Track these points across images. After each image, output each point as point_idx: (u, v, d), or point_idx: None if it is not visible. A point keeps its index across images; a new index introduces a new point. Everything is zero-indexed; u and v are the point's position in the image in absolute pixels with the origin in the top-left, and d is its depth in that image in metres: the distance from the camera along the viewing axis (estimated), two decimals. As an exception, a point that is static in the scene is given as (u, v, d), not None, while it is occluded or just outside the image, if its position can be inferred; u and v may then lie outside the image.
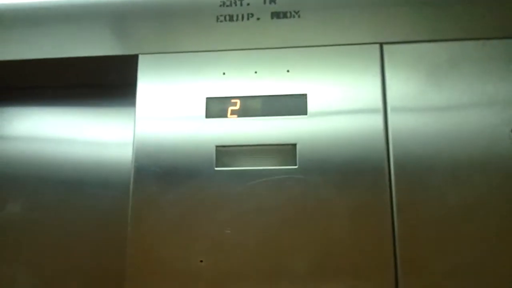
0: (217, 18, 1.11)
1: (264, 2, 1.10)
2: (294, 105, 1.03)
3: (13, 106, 1.33)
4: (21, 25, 1.17)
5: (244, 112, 1.04)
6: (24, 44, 1.16)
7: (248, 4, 1.11)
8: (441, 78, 1.01)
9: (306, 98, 1.03)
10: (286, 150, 1.01)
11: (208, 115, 1.05)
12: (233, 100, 1.05)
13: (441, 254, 0.92)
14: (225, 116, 1.04)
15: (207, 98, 1.06)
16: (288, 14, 1.09)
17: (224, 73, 1.07)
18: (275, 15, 1.09)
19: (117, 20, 1.15)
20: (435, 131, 0.98)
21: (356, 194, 0.96)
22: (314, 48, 1.06)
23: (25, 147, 1.28)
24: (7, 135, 1.31)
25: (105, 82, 1.25)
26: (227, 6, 1.11)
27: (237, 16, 1.10)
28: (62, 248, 1.21)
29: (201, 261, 0.97)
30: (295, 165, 0.99)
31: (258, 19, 1.09)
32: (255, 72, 1.06)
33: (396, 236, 0.94)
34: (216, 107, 1.05)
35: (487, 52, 1.02)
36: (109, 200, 1.21)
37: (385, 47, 1.05)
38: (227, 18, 1.11)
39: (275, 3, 1.10)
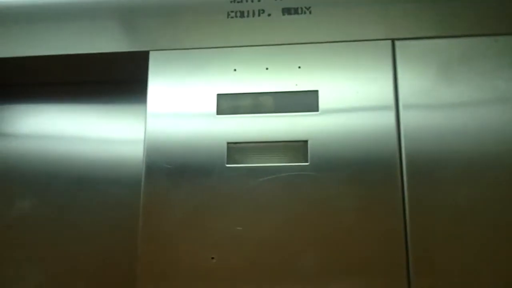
0: (228, 14, 1.10)
1: (275, -2, 1.10)
2: (306, 101, 1.03)
3: (22, 104, 1.33)
4: (31, 21, 1.18)
5: (255, 108, 1.04)
6: (34, 41, 1.16)
7: (259, 0, 1.10)
8: (453, 74, 1.01)
9: (317, 94, 1.03)
10: (297, 147, 1.01)
11: (219, 111, 1.05)
12: (244, 97, 1.05)
13: (454, 251, 0.92)
14: (236, 112, 1.04)
15: (218, 95, 1.06)
16: (299, 10, 1.08)
17: (235, 70, 1.07)
18: (286, 11, 1.09)
19: (128, 16, 1.15)
20: (447, 127, 0.98)
21: (367, 191, 0.96)
22: (326, 44, 1.05)
23: (35, 145, 1.29)
24: (17, 133, 1.31)
25: (116, 78, 1.26)
26: (238, 2, 1.11)
27: (248, 12, 1.10)
28: (73, 245, 1.21)
29: (213, 258, 0.97)
30: (307, 161, 0.99)
31: (269, 15, 1.09)
32: (266, 69, 1.06)
33: (408, 233, 0.93)
34: (227, 104, 1.05)
35: (499, 48, 1.01)
36: (120, 197, 1.21)
37: (397, 43, 1.04)
38: (238, 14, 1.10)
39: (286, -1, 1.10)
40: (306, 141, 1.00)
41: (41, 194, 1.25)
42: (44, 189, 1.25)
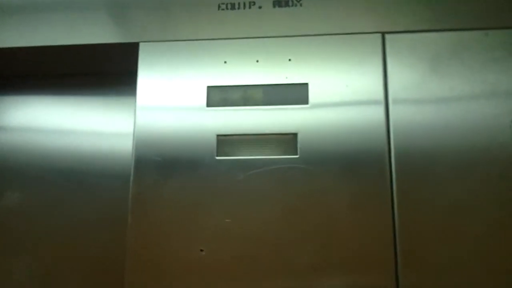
0: (219, 6, 1.10)
1: (266, -9, 1.10)
2: (296, 94, 1.03)
3: (9, 95, 1.32)
4: (20, 12, 1.16)
5: (245, 101, 1.04)
6: (23, 32, 1.15)
7: (250, -7, 1.10)
8: (443, 68, 1.01)
9: (307, 87, 1.03)
10: (287, 140, 1.01)
11: (209, 104, 1.04)
12: (234, 89, 1.04)
13: (442, 246, 0.92)
14: (226, 105, 1.04)
15: (208, 87, 1.05)
16: (290, 3, 1.08)
17: (225, 62, 1.06)
18: (277, 3, 1.08)
19: (118, 7, 1.14)
20: (436, 122, 0.98)
21: (356, 185, 0.96)
22: (316, 37, 1.05)
23: (22, 137, 1.28)
24: (4, 125, 1.30)
25: (105, 70, 1.25)
26: (229, -6, 1.10)
27: (239, 4, 1.09)
28: (62, 237, 1.20)
29: (202, 250, 0.97)
30: (296, 154, 0.99)
31: (260, 7, 1.09)
32: (257, 61, 1.05)
33: (397, 227, 0.94)
34: (217, 96, 1.05)
35: (489, 42, 1.02)
36: (110, 190, 1.21)
37: (387, 36, 1.04)
38: (229, 6, 1.10)
39: (277, -9, 1.09)
40: (296, 134, 1.00)
41: (30, 187, 1.25)
42: (32, 182, 1.25)
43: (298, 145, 0.99)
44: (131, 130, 1.06)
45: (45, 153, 1.26)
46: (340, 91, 1.01)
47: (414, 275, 0.92)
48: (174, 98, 1.05)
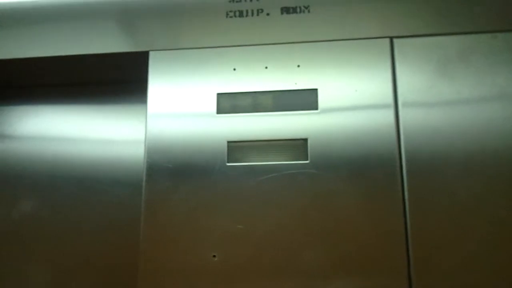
0: (227, 14, 1.11)
1: (274, -3, 1.11)
2: (305, 100, 1.03)
3: (23, 105, 1.34)
4: (31, 22, 1.18)
5: (255, 107, 1.04)
6: (34, 42, 1.16)
7: (258, 0, 1.11)
8: (452, 72, 1.01)
9: (317, 93, 1.03)
10: (297, 145, 1.01)
11: (219, 111, 1.05)
12: (244, 96, 1.05)
13: (454, 249, 0.92)
14: (236, 111, 1.05)
15: (218, 94, 1.06)
16: (298, 9, 1.09)
17: (234, 69, 1.07)
18: (285, 10, 1.09)
19: (127, 16, 1.15)
20: (446, 125, 0.98)
21: (367, 189, 0.96)
22: (324, 42, 1.06)
23: (35, 147, 1.29)
24: (16, 134, 1.32)
25: (116, 79, 1.26)
26: (237, 1, 1.11)
27: (247, 11, 1.10)
28: (75, 245, 1.21)
29: (214, 256, 0.97)
30: (307, 159, 0.99)
31: (268, 14, 1.09)
32: (266, 68, 1.06)
33: (409, 231, 0.94)
34: (227, 103, 1.05)
35: (497, 45, 1.02)
36: (122, 197, 1.22)
37: (395, 41, 1.04)
38: (237, 13, 1.11)
39: (284, -2, 1.10)
40: (306, 139, 1.01)
41: (42, 196, 1.26)
42: (45, 191, 1.26)
43: (309, 150, 1.00)
44: (142, 137, 1.07)
45: (57, 161, 1.27)
46: (350, 96, 1.02)
47: (427, 279, 0.91)
48: (185, 105, 1.06)
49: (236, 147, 1.02)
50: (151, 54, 1.10)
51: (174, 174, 1.02)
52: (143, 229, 1.00)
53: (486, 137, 0.97)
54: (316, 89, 1.03)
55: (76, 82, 1.30)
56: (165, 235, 0.99)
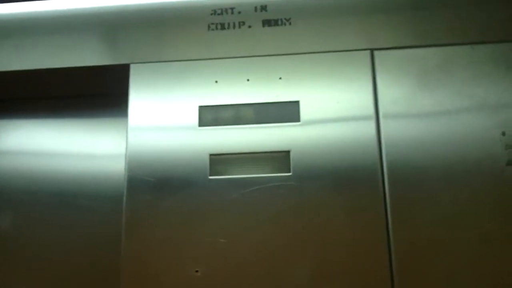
0: (209, 27, 1.11)
1: (255, 10, 1.11)
2: (287, 112, 1.03)
3: (1, 119, 1.32)
4: (9, 35, 1.17)
5: (237, 120, 1.04)
6: (13, 55, 1.15)
7: (239, 12, 1.11)
8: (432, 83, 1.02)
9: (298, 105, 1.03)
10: (280, 158, 1.01)
11: (201, 123, 1.04)
12: (226, 108, 1.05)
13: (436, 257, 0.92)
14: (218, 124, 1.04)
15: (200, 107, 1.05)
16: (280, 22, 1.09)
17: (216, 81, 1.07)
18: (267, 22, 1.10)
19: (108, 29, 1.14)
20: (427, 135, 0.99)
21: (350, 200, 0.96)
22: (306, 55, 1.06)
23: (14, 160, 1.27)
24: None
25: (97, 92, 1.25)
26: (218, 14, 1.11)
27: (229, 24, 1.10)
28: (56, 260, 1.19)
29: (197, 271, 0.96)
30: (289, 172, 0.99)
31: (249, 27, 1.10)
32: (248, 80, 1.06)
33: (391, 240, 0.94)
34: (209, 116, 1.05)
35: (476, 56, 1.03)
36: (102, 212, 1.20)
37: (375, 53, 1.05)
38: (219, 26, 1.11)
39: (266, 10, 1.10)
40: (288, 152, 1.00)
41: (21, 210, 1.24)
42: (24, 205, 1.24)
43: (291, 163, 0.99)
44: (123, 151, 1.05)
45: (36, 175, 1.25)
46: (331, 108, 1.02)
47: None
48: (166, 118, 1.05)
49: (219, 160, 1.02)
50: (132, 67, 1.09)
51: (156, 188, 1.01)
52: (124, 244, 0.98)
53: (466, 147, 0.98)
54: (298, 101, 1.04)
55: (55, 95, 1.29)
56: (147, 250, 0.98)
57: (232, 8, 1.11)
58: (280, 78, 1.05)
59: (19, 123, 1.31)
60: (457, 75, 1.02)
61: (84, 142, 1.26)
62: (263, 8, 1.11)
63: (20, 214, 1.24)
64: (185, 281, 0.95)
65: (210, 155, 1.02)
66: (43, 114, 1.30)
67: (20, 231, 1.22)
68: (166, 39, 1.11)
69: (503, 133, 0.98)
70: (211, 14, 1.12)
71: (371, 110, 1.01)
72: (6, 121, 1.32)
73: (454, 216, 0.94)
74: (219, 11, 1.12)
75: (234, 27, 1.10)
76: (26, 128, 1.30)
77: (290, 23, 1.09)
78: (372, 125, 1.00)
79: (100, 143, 1.26)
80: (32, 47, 1.15)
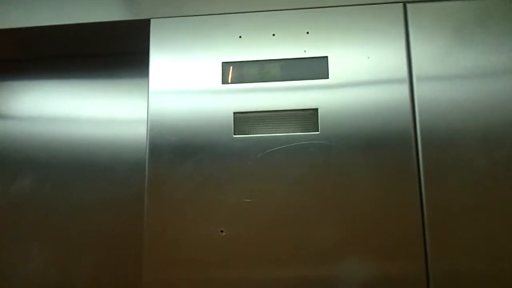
0: (232, -21, 1.06)
1: (282, -39, 1.05)
2: (315, 68, 0.99)
3: (16, 80, 1.29)
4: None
5: (262, 76, 1.00)
6: (27, 11, 1.11)
7: (265, -37, 1.06)
8: (468, 38, 0.97)
9: (327, 60, 0.99)
10: (307, 115, 0.97)
11: (225, 81, 1.00)
12: (250, 65, 1.00)
13: (471, 223, 0.89)
14: (242, 81, 1.00)
15: (223, 63, 1.01)
16: (307, -27, 1.04)
17: (240, 37, 1.02)
18: (293, -26, 1.04)
19: (127, -18, 1.10)
20: (461, 96, 0.94)
21: (382, 163, 0.93)
22: (334, 8, 1.01)
23: (30, 123, 1.25)
24: (10, 111, 1.27)
25: (116, 50, 1.21)
26: (242, -34, 1.06)
27: (254, -24, 1.05)
28: (78, 223, 1.18)
29: (222, 231, 0.93)
30: (317, 130, 0.95)
31: (275, -22, 1.05)
32: (273, 35, 1.01)
33: (424, 205, 0.90)
34: (233, 72, 1.01)
35: (515, 9, 0.98)
36: (124, 174, 1.18)
37: (408, 6, 1.00)
38: (243, -22, 1.06)
39: (293, -38, 1.05)
40: (316, 109, 0.96)
41: (40, 175, 1.22)
42: (43, 170, 1.22)
43: (319, 121, 0.95)
44: (144, 113, 1.03)
45: (55, 139, 1.23)
46: (361, 64, 0.98)
47: (443, 254, 0.89)
48: (188, 77, 1.01)
49: (243, 119, 0.98)
50: (153, 22, 1.05)
51: (178, 149, 0.98)
52: (147, 206, 0.96)
53: (503, 108, 0.93)
54: (326, 57, 0.99)
55: (72, 54, 1.25)
56: (170, 211, 0.95)
57: (257, -40, 1.06)
58: (308, 33, 1.00)
59: (34, 84, 1.27)
60: (495, 29, 0.97)
61: (103, 104, 1.23)
62: (290, -41, 1.05)
63: (40, 177, 1.22)
64: (210, 242, 0.93)
65: (234, 113, 0.98)
66: (59, 75, 1.26)
67: (39, 196, 1.21)
68: (188, -7, 1.07)
69: (546, 92, 0.93)
70: (235, -34, 1.07)
71: (403, 67, 0.96)
72: (21, 82, 1.29)
73: (491, 181, 0.90)
74: (243, -37, 1.07)
75: (259, -21, 1.05)
76: (41, 89, 1.27)
77: (318, -25, 1.04)
78: (405, 84, 0.95)
79: (120, 105, 1.23)
80: (44, 1, 1.11)
